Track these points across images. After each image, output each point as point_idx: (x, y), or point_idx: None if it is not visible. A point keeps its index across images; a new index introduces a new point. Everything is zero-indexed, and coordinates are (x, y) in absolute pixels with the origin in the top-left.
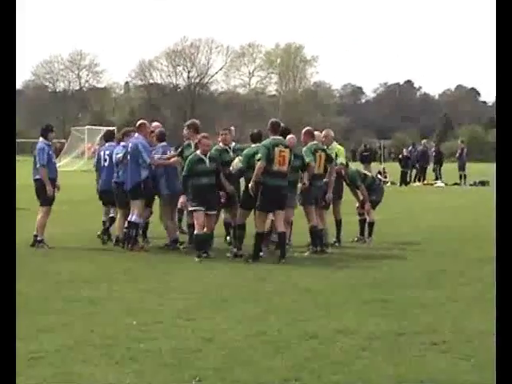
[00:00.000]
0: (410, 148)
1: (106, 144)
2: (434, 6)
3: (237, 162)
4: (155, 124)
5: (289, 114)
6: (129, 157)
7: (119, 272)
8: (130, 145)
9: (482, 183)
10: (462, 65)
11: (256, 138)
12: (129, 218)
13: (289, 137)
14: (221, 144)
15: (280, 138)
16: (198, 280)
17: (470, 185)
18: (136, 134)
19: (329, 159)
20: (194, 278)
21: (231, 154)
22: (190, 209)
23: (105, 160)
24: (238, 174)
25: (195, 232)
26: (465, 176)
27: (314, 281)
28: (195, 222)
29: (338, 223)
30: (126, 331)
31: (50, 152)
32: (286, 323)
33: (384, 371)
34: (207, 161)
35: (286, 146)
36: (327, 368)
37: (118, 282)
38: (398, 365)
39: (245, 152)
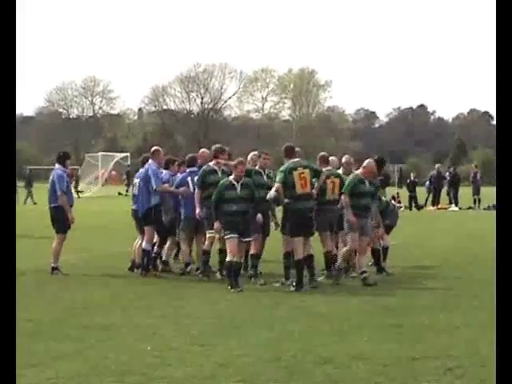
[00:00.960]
0: (432, 172)
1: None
2: (447, 30)
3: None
4: (203, 150)
5: (302, 138)
6: (141, 183)
7: (133, 298)
8: (142, 171)
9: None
10: (475, 88)
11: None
12: (142, 246)
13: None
14: (257, 167)
15: (298, 160)
16: (212, 306)
17: (484, 209)
18: (150, 161)
19: (343, 185)
20: (207, 303)
21: (265, 177)
22: (224, 236)
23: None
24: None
25: (227, 259)
26: (479, 200)
27: (327, 306)
28: (228, 249)
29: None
30: (141, 358)
31: (67, 179)
32: (301, 348)
33: None
34: (239, 187)
35: (306, 167)
36: None
37: (132, 308)
38: None
39: (280, 169)
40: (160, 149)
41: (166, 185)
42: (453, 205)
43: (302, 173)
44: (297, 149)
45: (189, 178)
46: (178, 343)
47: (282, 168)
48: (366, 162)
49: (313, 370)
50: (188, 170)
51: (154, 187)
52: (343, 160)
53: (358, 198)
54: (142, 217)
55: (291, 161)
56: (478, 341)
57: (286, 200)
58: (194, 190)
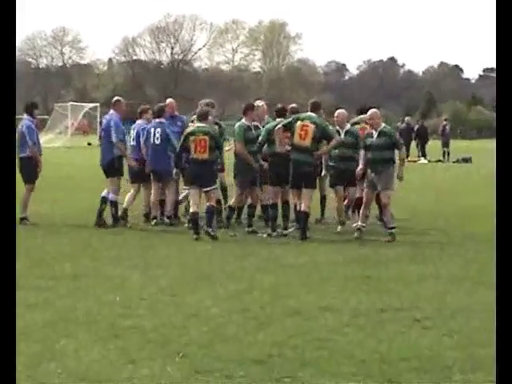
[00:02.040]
0: (399, 124)
1: (156, 120)
2: None
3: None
4: (169, 100)
5: (272, 90)
6: (103, 133)
7: (102, 248)
8: (104, 121)
9: (465, 160)
10: (445, 42)
11: (280, 113)
12: (108, 196)
13: (338, 111)
14: (244, 121)
15: (311, 114)
16: (182, 256)
17: (454, 162)
18: (111, 111)
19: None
20: (177, 254)
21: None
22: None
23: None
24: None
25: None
26: (448, 153)
27: (297, 257)
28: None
29: (323, 199)
30: (110, 308)
31: (36, 129)
32: (270, 299)
33: (367, 347)
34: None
35: (313, 122)
36: (310, 344)
37: (101, 258)
38: (381, 341)
39: (266, 126)
40: (121, 99)
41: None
42: (422, 158)
43: (306, 125)
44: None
45: (153, 129)
46: (147, 294)
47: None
48: (371, 112)
49: (282, 321)
50: (157, 121)
51: (114, 140)
52: (336, 114)
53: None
54: (106, 167)
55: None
56: (447, 293)
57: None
58: (160, 141)
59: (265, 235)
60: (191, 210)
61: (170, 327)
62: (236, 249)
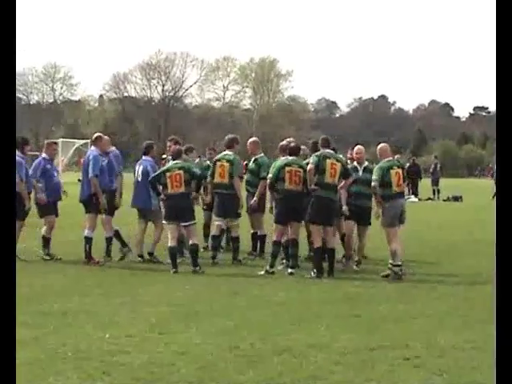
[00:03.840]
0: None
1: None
2: (409, 22)
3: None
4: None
5: (263, 128)
6: (84, 170)
7: (91, 285)
8: (85, 157)
9: (456, 198)
10: (435, 80)
11: (294, 151)
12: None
13: (358, 147)
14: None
15: (332, 152)
16: (171, 294)
17: (444, 200)
18: (92, 147)
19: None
20: (166, 291)
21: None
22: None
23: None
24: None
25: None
26: (438, 191)
27: (287, 295)
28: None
29: (343, 237)
30: (99, 345)
31: (27, 166)
32: (259, 337)
33: None
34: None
35: (338, 160)
36: (299, 382)
37: (90, 295)
38: (370, 380)
39: (277, 163)
40: (102, 135)
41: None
42: (412, 196)
43: (335, 164)
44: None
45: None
46: (136, 330)
47: (317, 153)
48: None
49: (271, 359)
50: (143, 158)
51: (90, 175)
52: (355, 150)
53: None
54: (84, 203)
55: (327, 150)
56: (436, 331)
57: (314, 186)
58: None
59: (262, 272)
60: (169, 245)
61: (158, 364)
62: (225, 286)
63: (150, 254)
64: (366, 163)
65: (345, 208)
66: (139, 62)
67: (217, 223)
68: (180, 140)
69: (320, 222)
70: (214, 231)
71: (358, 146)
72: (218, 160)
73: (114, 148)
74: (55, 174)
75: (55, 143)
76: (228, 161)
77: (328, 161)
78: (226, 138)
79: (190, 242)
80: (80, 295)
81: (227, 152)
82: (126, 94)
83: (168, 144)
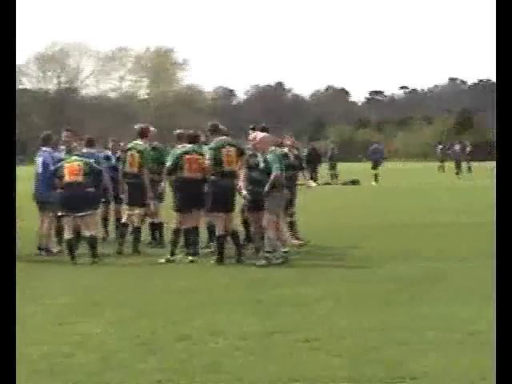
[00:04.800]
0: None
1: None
2: (306, 7)
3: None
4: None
5: (161, 117)
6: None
7: None
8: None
9: (353, 182)
10: (331, 65)
11: (193, 139)
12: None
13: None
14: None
15: (225, 137)
16: (70, 285)
17: (342, 184)
18: None
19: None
20: (66, 281)
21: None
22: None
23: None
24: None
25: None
26: (336, 175)
27: (188, 282)
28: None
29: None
30: None
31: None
32: (160, 325)
33: (258, 370)
34: None
35: (233, 145)
36: (201, 369)
37: None
38: (271, 363)
39: (175, 152)
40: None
41: None
42: (310, 180)
43: (230, 151)
44: (221, 127)
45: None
46: (36, 322)
47: (211, 145)
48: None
49: (172, 346)
50: (43, 149)
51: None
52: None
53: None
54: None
55: (219, 138)
56: (336, 314)
57: (213, 177)
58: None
59: (162, 260)
60: (66, 236)
61: (58, 355)
62: (126, 276)
63: (46, 249)
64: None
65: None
66: (34, 54)
67: (128, 212)
68: (75, 131)
69: (222, 210)
70: (123, 219)
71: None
72: (129, 149)
73: None
74: None
75: None
76: (138, 151)
77: (223, 149)
78: (137, 126)
79: (87, 234)
80: None
81: (138, 141)
82: (21, 87)
83: (64, 134)
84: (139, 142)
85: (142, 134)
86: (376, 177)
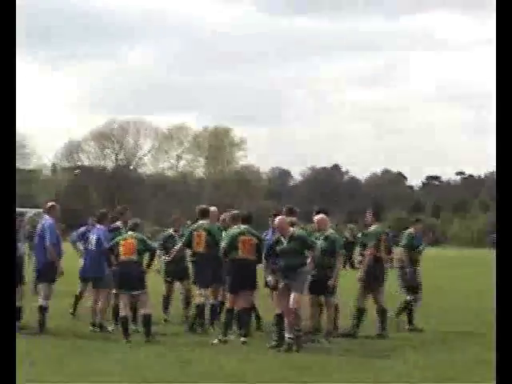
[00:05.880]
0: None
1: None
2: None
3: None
4: (213, 208)
5: (216, 196)
6: (37, 239)
7: (42, 356)
8: (39, 226)
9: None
10: (388, 150)
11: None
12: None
13: (318, 217)
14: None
15: (245, 226)
16: (125, 363)
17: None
18: (46, 216)
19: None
20: (121, 360)
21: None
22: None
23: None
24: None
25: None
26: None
27: (239, 364)
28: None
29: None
30: None
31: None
32: None
33: None
34: None
35: (252, 234)
36: None
37: (41, 364)
38: None
39: (230, 232)
40: (55, 204)
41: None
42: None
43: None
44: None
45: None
46: None
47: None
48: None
49: None
50: (97, 227)
51: (47, 243)
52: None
53: None
54: (39, 273)
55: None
56: None
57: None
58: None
59: (215, 341)
60: (121, 314)
61: None
62: (177, 355)
63: (100, 326)
64: (330, 231)
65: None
66: (92, 131)
67: (198, 292)
68: (130, 208)
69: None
70: (197, 300)
71: (320, 215)
72: (195, 230)
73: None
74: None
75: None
76: (205, 230)
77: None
78: (198, 208)
79: (142, 312)
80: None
81: (203, 221)
82: (79, 163)
83: (128, 212)
84: (205, 221)
85: (204, 214)
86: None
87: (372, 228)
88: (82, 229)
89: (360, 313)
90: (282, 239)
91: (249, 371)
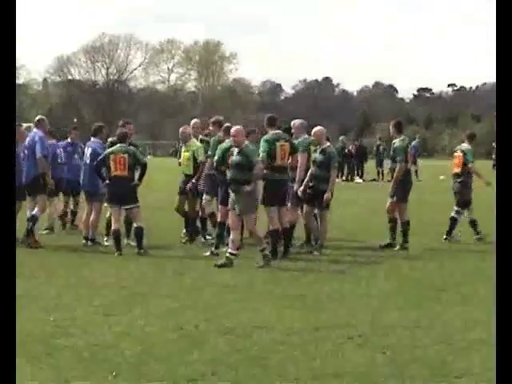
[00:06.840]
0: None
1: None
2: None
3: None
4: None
5: (208, 110)
6: (26, 151)
7: (35, 268)
8: (28, 139)
9: None
10: (379, 62)
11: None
12: (35, 214)
13: (316, 129)
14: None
15: (280, 131)
16: (116, 275)
17: (388, 181)
18: (35, 129)
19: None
20: (111, 272)
21: None
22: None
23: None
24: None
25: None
26: (382, 172)
27: (232, 276)
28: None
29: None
30: (43, 327)
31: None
32: (204, 318)
33: (301, 365)
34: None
35: (287, 140)
36: (244, 362)
37: (34, 277)
38: (314, 358)
39: (222, 146)
40: (44, 117)
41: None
42: (357, 177)
43: (284, 145)
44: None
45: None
46: (80, 313)
47: (266, 137)
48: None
49: (215, 340)
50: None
51: (38, 155)
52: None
53: None
54: (30, 185)
55: (273, 132)
56: (381, 310)
57: (265, 171)
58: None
59: (207, 253)
60: (113, 228)
61: (102, 346)
62: (170, 267)
63: (92, 239)
64: (327, 144)
65: (296, 188)
66: (83, 45)
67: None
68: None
69: (273, 205)
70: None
71: (317, 127)
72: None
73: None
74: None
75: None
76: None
77: (277, 143)
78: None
79: (135, 225)
80: (23, 278)
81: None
82: (69, 78)
83: (129, 127)
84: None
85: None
86: (416, 173)
87: (397, 143)
88: (62, 142)
89: (405, 225)
90: (235, 151)
91: (241, 282)
